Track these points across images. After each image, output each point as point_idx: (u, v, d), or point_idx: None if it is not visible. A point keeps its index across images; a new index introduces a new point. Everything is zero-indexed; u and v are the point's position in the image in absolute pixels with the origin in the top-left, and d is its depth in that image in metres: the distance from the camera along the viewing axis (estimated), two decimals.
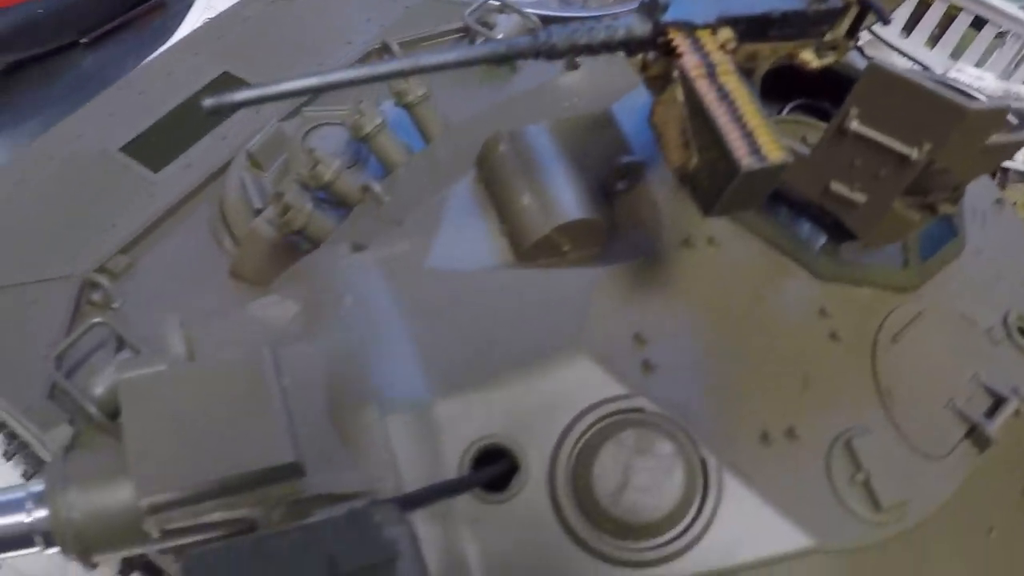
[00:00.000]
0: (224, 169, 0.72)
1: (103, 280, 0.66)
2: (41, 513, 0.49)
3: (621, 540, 0.48)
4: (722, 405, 0.51)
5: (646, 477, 0.48)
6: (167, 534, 0.48)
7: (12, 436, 0.73)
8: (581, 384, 0.50)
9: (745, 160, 0.43)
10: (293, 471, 0.46)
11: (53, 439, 0.60)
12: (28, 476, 0.69)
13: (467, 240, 0.56)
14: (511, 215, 0.55)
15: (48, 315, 0.67)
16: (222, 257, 0.69)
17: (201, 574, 0.41)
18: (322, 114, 0.71)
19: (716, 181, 0.44)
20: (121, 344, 0.62)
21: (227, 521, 0.48)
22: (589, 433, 0.49)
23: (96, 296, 0.67)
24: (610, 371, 0.50)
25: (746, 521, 0.49)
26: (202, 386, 0.48)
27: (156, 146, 0.75)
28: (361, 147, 0.68)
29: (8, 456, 0.71)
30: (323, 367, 0.51)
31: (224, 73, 0.80)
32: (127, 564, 0.74)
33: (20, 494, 0.50)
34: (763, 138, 0.44)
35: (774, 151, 0.43)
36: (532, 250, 0.54)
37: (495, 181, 0.57)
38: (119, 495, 0.48)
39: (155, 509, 0.46)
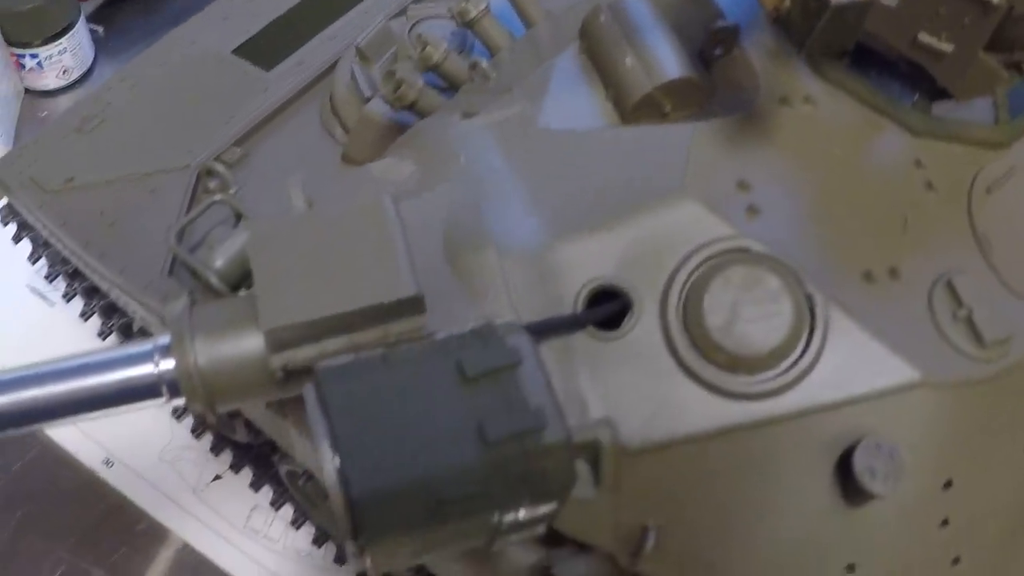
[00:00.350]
0: (334, 67, 0.75)
1: (219, 168, 0.68)
2: (168, 364, 0.51)
3: (732, 373, 0.50)
4: (825, 246, 0.52)
5: (754, 310, 0.49)
6: (291, 375, 0.50)
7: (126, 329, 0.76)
8: (688, 226, 0.52)
9: None
10: (414, 306, 0.48)
11: (171, 313, 0.63)
12: None
13: (574, 105, 0.58)
14: (615, 78, 0.57)
15: (167, 202, 0.69)
16: (333, 146, 0.71)
17: (333, 381, 0.43)
18: (428, 11, 0.73)
19: (808, 19, 0.45)
20: (239, 219, 0.65)
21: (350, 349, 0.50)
22: (699, 271, 0.51)
23: (212, 184, 0.69)
24: (716, 213, 0.52)
25: (853, 355, 0.50)
26: (326, 229, 0.50)
27: (268, 47, 0.78)
28: (466, 36, 0.71)
29: None
30: (440, 216, 0.53)
31: None
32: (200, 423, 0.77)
33: (147, 346, 0.52)
34: None
35: None
36: (635, 110, 0.56)
37: (598, 48, 0.58)
38: (245, 342, 0.50)
39: (278, 338, 0.48)
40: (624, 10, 0.58)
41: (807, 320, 0.50)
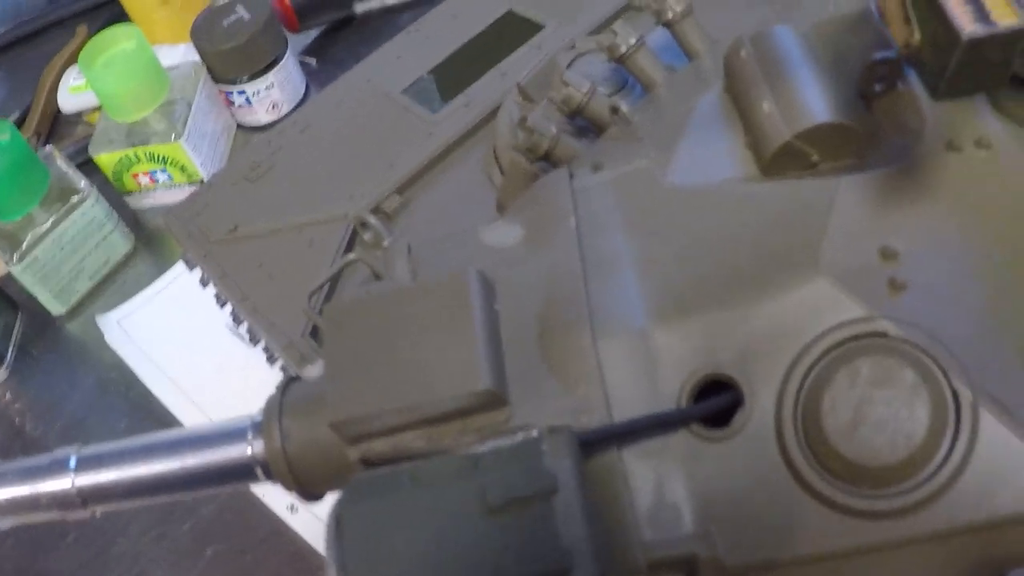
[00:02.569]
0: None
1: (371, 219, 0.66)
2: (260, 443, 0.49)
3: (853, 486, 0.43)
4: (983, 329, 0.44)
5: (883, 411, 0.42)
6: (370, 464, 0.47)
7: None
8: (816, 306, 0.45)
9: (968, 28, 0.36)
10: (492, 400, 0.44)
11: (306, 374, 0.61)
12: None
13: (710, 154, 0.52)
14: (753, 124, 0.51)
15: (322, 254, 0.68)
16: (493, 193, 0.68)
17: (355, 499, 0.40)
18: (594, 43, 0.68)
19: (939, 56, 0.38)
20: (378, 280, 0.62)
21: (428, 453, 0.47)
22: (822, 362, 0.44)
23: (367, 236, 0.67)
24: (850, 290, 0.45)
25: (1008, 466, 0.42)
26: (404, 307, 0.47)
27: (437, 86, 0.75)
28: (627, 72, 0.65)
29: None
30: (538, 291, 0.48)
31: (508, 12, 0.79)
32: None
33: (244, 423, 0.50)
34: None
35: (1006, 15, 0.36)
36: (775, 161, 0.49)
37: (739, 88, 0.52)
38: (325, 429, 0.47)
39: (349, 430, 0.45)
40: (767, 42, 0.52)
41: (950, 423, 0.42)
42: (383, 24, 1.04)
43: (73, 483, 0.51)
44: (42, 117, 1.06)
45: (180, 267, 0.92)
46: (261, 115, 0.97)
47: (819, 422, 0.43)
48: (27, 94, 1.09)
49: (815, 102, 0.49)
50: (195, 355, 0.87)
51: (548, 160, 0.59)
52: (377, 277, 0.62)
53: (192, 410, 0.84)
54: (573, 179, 0.53)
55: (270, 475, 0.50)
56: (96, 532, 0.80)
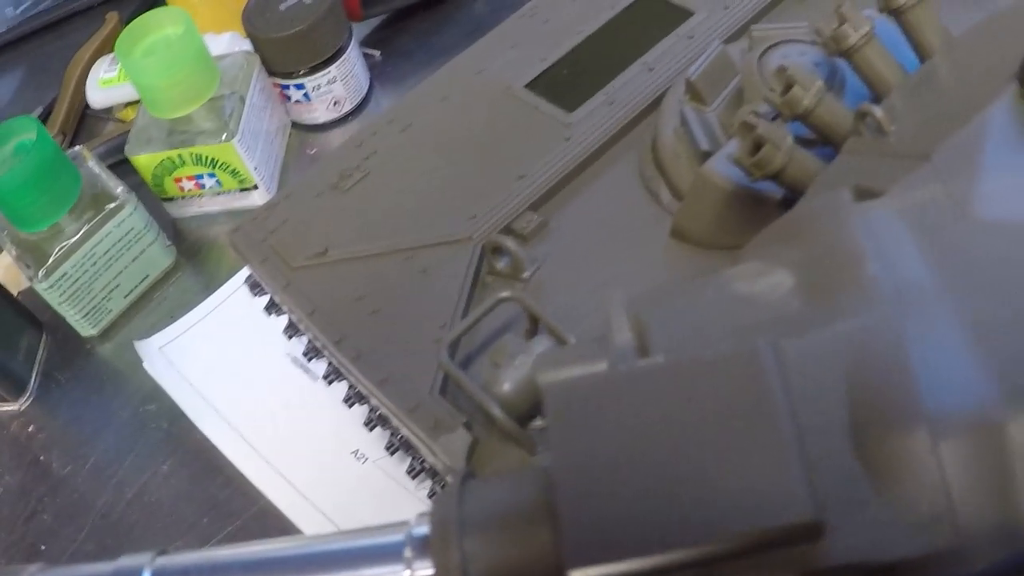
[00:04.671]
0: (655, 105, 0.56)
1: (509, 244, 0.50)
2: (425, 568, 0.34)
3: None
4: None
5: None
6: None
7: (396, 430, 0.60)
8: None
9: None
10: (808, 532, 0.29)
11: (445, 448, 0.46)
12: (414, 473, 0.55)
13: (1020, 180, 0.37)
14: None
15: (442, 286, 0.53)
16: (658, 213, 0.53)
17: None
18: (776, 32, 0.53)
19: None
20: (535, 325, 0.47)
21: None
22: None
23: (501, 264, 0.52)
24: None
25: None
26: (667, 399, 0.32)
27: (569, 81, 0.60)
28: (837, 68, 0.50)
29: (391, 450, 0.58)
30: (843, 368, 0.33)
31: None
32: None
33: (398, 537, 0.35)
34: None
35: None
36: None
37: None
38: (538, 554, 0.32)
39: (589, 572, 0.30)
40: None
41: None
42: (454, 11, 0.88)
43: None
44: (68, 114, 0.89)
45: (230, 286, 0.76)
46: (320, 113, 0.81)
47: None
48: (51, 89, 0.92)
49: None
50: (250, 388, 0.71)
51: (776, 179, 0.43)
52: (532, 321, 0.47)
53: (246, 450, 0.68)
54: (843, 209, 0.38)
55: None
56: None
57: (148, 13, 0.75)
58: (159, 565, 0.36)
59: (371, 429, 0.60)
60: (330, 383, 0.64)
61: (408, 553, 0.34)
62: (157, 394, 0.73)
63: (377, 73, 0.86)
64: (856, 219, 0.36)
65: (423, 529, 0.35)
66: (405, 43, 0.88)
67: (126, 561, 0.36)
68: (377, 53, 0.87)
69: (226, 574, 0.36)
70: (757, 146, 0.43)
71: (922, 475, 0.31)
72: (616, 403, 0.32)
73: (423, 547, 0.34)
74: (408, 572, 0.34)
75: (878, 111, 0.42)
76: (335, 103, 0.81)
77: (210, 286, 0.77)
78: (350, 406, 0.65)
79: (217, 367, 0.73)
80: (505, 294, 0.46)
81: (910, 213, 0.37)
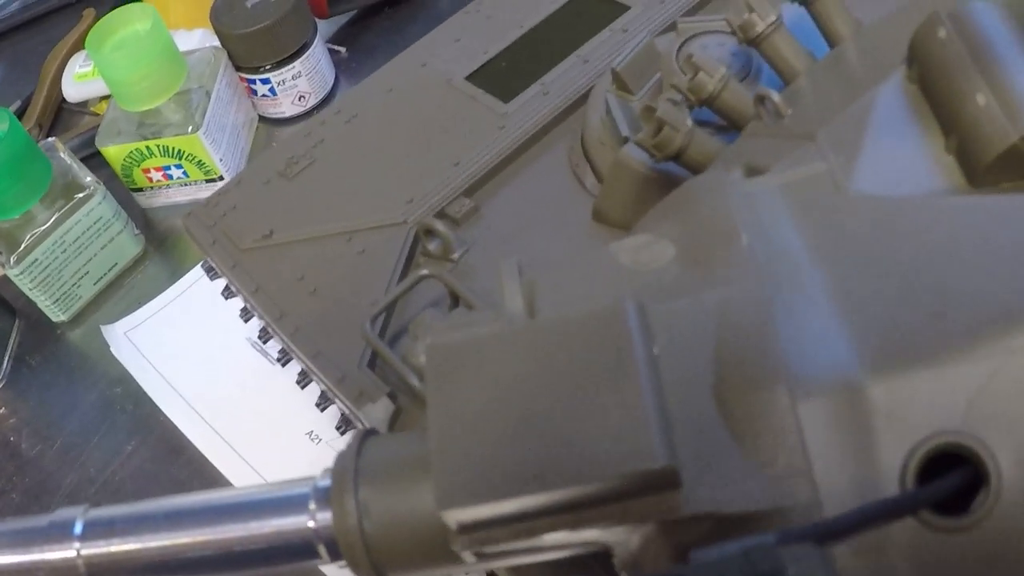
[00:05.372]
0: (587, 96, 0.57)
1: (439, 226, 0.52)
2: (327, 516, 0.35)
3: None
4: None
5: None
6: (485, 557, 0.33)
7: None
8: None
9: None
10: (665, 481, 0.31)
11: (369, 416, 0.47)
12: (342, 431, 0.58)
13: (900, 158, 0.39)
14: (960, 121, 0.37)
15: (377, 267, 0.54)
16: (583, 198, 0.54)
17: None
18: (699, 24, 0.55)
19: None
20: (455, 302, 0.48)
21: (568, 544, 0.33)
22: None
23: (432, 245, 0.53)
24: None
25: None
26: (537, 355, 0.33)
27: (507, 73, 0.61)
28: (751, 57, 0.52)
29: (341, 431, 0.59)
30: (711, 330, 0.35)
31: None
32: None
33: (303, 489, 0.37)
34: None
35: None
36: (992, 169, 0.36)
37: (935, 78, 0.39)
38: (424, 501, 0.34)
39: (464, 528, 0.31)
40: (972, 22, 0.38)
41: None
42: (419, 10, 0.90)
43: (78, 553, 0.37)
44: (44, 107, 0.91)
45: (195, 273, 0.77)
46: (286, 107, 0.83)
47: None
48: (29, 82, 0.94)
49: None
50: (212, 372, 0.73)
51: (678, 160, 0.45)
52: (454, 298, 0.48)
53: (207, 432, 0.70)
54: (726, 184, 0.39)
55: (337, 555, 0.36)
56: None
57: (117, 10, 0.77)
58: (91, 516, 0.38)
59: (323, 410, 0.61)
60: (284, 365, 0.65)
61: (312, 505, 0.36)
62: (124, 378, 0.74)
63: (343, 68, 0.87)
64: (735, 194, 0.38)
65: (326, 481, 0.36)
66: (370, 39, 0.90)
67: (61, 513, 0.38)
68: (343, 49, 0.89)
69: (149, 523, 0.37)
70: (659, 128, 0.44)
71: (781, 432, 0.32)
72: (489, 360, 0.33)
73: (325, 498, 0.36)
74: (312, 522, 0.36)
75: (775, 96, 0.43)
76: (300, 97, 0.83)
77: (177, 273, 0.79)
78: (303, 387, 0.66)
79: (180, 351, 0.74)
80: (424, 272, 0.48)
81: (789, 189, 0.38)
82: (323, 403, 0.61)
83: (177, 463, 0.69)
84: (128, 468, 0.70)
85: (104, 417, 0.73)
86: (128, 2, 0.91)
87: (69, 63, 0.91)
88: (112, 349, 0.75)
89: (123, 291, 0.80)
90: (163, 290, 0.78)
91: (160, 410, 0.72)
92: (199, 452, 0.69)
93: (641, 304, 0.34)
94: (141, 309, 0.77)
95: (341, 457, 0.37)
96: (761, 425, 0.33)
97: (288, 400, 0.69)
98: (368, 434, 0.38)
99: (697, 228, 0.38)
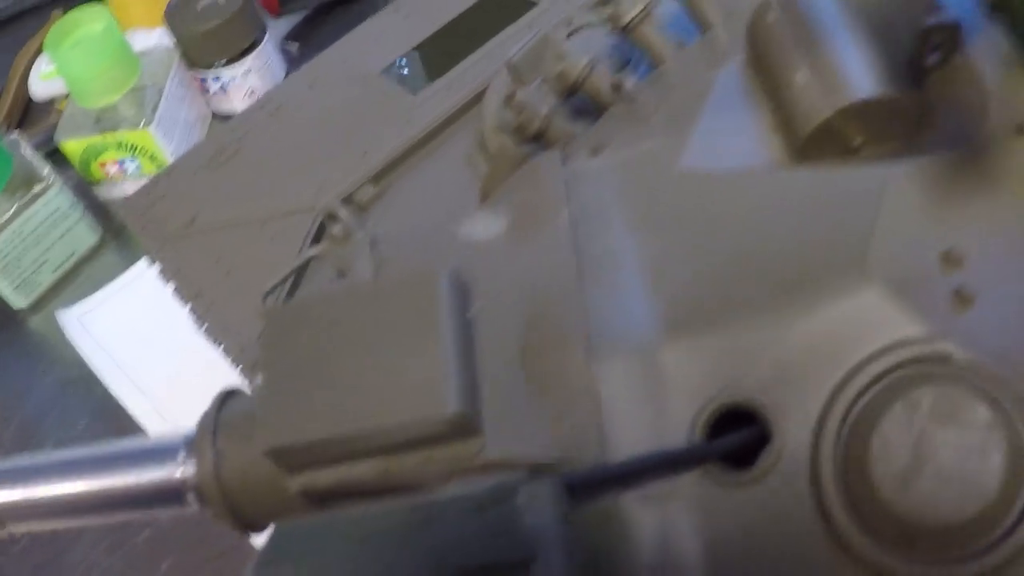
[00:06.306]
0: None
1: (341, 211, 0.55)
2: (192, 466, 0.39)
3: (907, 550, 0.32)
4: None
5: (949, 456, 0.31)
6: (313, 498, 0.36)
7: None
8: (863, 322, 0.34)
9: None
10: (461, 428, 0.34)
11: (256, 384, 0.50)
12: None
13: (730, 136, 0.41)
14: (784, 99, 0.40)
15: (285, 250, 0.57)
16: (477, 183, 0.56)
17: (276, 554, 0.29)
18: (591, 17, 0.57)
19: None
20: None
21: (384, 487, 0.36)
22: (871, 392, 0.33)
23: (336, 229, 0.56)
24: (905, 304, 0.34)
25: None
26: (358, 312, 0.36)
27: (419, 68, 0.64)
28: (632, 48, 0.54)
29: None
30: (522, 296, 0.37)
31: None
32: None
33: (176, 442, 0.40)
34: None
35: None
36: (810, 143, 0.39)
37: (765, 59, 0.41)
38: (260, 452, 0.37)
39: (285, 458, 0.34)
40: (799, 5, 0.41)
41: None
42: (369, 8, 0.92)
43: None
44: (13, 105, 0.94)
45: (146, 261, 0.81)
46: (237, 103, 0.86)
47: (866, 467, 0.32)
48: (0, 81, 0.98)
49: (859, 73, 0.38)
50: (158, 355, 0.76)
51: (540, 142, 0.48)
52: (342, 276, 0.51)
53: (152, 413, 0.73)
54: (568, 163, 0.42)
55: (205, 502, 0.39)
56: (48, 540, 0.70)
57: (73, 11, 0.81)
58: None
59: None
60: (219, 345, 0.68)
61: (182, 455, 0.39)
62: (79, 361, 0.77)
63: (296, 65, 0.90)
64: (562, 172, 0.41)
65: (192, 433, 0.40)
66: (323, 37, 0.93)
67: None
68: (295, 46, 0.92)
69: (43, 472, 0.41)
70: (519, 112, 0.47)
71: (575, 390, 0.35)
72: (315, 320, 0.36)
73: (191, 448, 0.39)
74: (181, 469, 0.39)
75: (628, 82, 0.46)
76: (252, 92, 0.86)
77: (132, 262, 0.82)
78: (238, 367, 0.69)
79: (130, 335, 0.78)
80: (312, 251, 0.50)
81: (621, 166, 0.41)
82: (246, 376, 0.64)
83: None
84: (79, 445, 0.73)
85: (60, 399, 0.77)
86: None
87: (36, 62, 0.95)
88: (67, 333, 0.78)
89: (81, 278, 0.83)
90: (118, 277, 0.81)
91: (111, 391, 0.75)
92: (146, 432, 0.72)
93: (456, 271, 0.36)
94: (95, 295, 0.80)
95: (205, 413, 0.40)
96: (559, 383, 0.35)
97: (225, 379, 0.71)
98: (230, 392, 0.41)
99: (526, 204, 0.41)
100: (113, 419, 0.74)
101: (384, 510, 0.29)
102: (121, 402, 0.74)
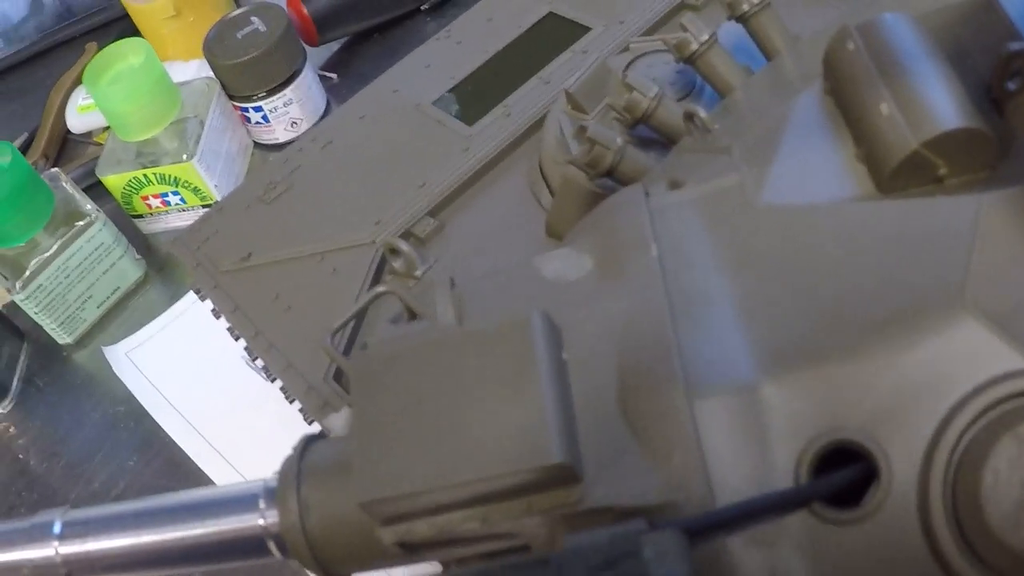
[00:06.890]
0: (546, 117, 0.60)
1: (403, 245, 0.55)
2: (274, 515, 0.39)
3: None
4: None
5: None
6: (409, 548, 0.36)
7: None
8: (967, 354, 0.34)
9: None
10: (562, 476, 0.33)
11: (330, 425, 0.50)
12: None
13: (812, 168, 0.41)
14: (867, 131, 0.40)
15: (345, 286, 0.57)
16: (540, 214, 0.57)
17: None
18: (648, 44, 0.57)
19: None
20: (412, 316, 0.51)
21: (483, 536, 0.36)
22: (978, 425, 0.33)
23: (398, 264, 0.56)
24: (1006, 336, 0.34)
25: None
26: (451, 358, 0.36)
27: (472, 97, 0.64)
28: (696, 75, 0.54)
29: None
30: (614, 337, 0.37)
31: (549, 14, 0.67)
32: None
33: (255, 489, 0.40)
34: None
35: None
36: (896, 175, 0.38)
37: (845, 89, 0.41)
38: (352, 502, 0.36)
39: (381, 511, 0.34)
40: (879, 33, 0.41)
41: None
42: (408, 34, 0.93)
43: (57, 551, 0.41)
44: (50, 138, 0.95)
45: (193, 295, 0.81)
46: (279, 133, 0.86)
47: (977, 503, 0.32)
48: (36, 115, 0.98)
49: (943, 104, 0.38)
50: (208, 389, 0.76)
51: (611, 176, 0.48)
52: (411, 313, 0.51)
53: (205, 448, 0.73)
54: (648, 199, 0.42)
55: (286, 552, 0.39)
56: None
57: (112, 44, 0.81)
58: (69, 517, 0.41)
59: (310, 423, 0.64)
60: (272, 380, 0.68)
61: (262, 504, 0.39)
62: (126, 396, 0.78)
63: (335, 94, 0.91)
64: (648, 208, 0.40)
65: (274, 482, 0.39)
66: (360, 66, 0.93)
67: (43, 515, 0.42)
68: (334, 76, 0.92)
69: (121, 522, 0.41)
70: (591, 147, 0.47)
71: (677, 432, 0.35)
72: (408, 366, 0.36)
73: (273, 497, 0.39)
74: (262, 520, 0.39)
75: (701, 111, 0.46)
76: (293, 123, 0.86)
77: (177, 296, 0.82)
78: (291, 402, 0.69)
79: (178, 370, 0.78)
80: (380, 288, 0.50)
81: (703, 201, 0.41)
82: (310, 417, 0.64)
83: (175, 476, 0.72)
84: (130, 482, 0.73)
85: (107, 434, 0.77)
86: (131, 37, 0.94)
87: (72, 95, 0.95)
88: (114, 369, 0.78)
89: (126, 313, 0.83)
90: (163, 312, 0.81)
91: (160, 427, 0.75)
92: (197, 466, 0.72)
93: (547, 314, 0.36)
94: (141, 330, 0.80)
95: (287, 460, 0.40)
96: (659, 426, 0.35)
97: (279, 414, 0.71)
98: (312, 438, 0.41)
99: (612, 241, 0.40)
100: (164, 455, 0.74)
101: (509, 567, 0.29)
102: (172, 438, 0.74)
